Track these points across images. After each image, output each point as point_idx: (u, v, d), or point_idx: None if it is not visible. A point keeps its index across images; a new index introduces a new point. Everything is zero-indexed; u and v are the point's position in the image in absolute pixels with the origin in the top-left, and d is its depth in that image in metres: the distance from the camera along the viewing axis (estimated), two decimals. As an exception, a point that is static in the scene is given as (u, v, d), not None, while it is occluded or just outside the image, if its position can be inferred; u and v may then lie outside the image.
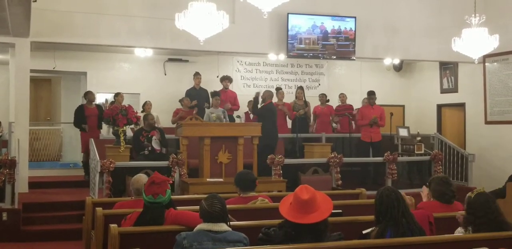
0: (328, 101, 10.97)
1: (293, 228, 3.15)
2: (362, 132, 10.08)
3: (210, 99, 9.89)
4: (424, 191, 4.62)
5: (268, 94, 9.07)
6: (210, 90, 10.31)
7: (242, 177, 4.87)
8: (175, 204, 4.02)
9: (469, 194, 3.75)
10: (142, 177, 4.63)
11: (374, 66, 12.67)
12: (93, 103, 9.80)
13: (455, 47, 8.44)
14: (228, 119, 9.33)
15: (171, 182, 3.90)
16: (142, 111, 9.81)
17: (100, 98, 10.56)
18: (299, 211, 3.12)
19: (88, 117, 9.52)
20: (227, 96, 10.34)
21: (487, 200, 3.65)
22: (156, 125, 9.04)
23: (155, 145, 8.52)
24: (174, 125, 9.83)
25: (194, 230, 3.36)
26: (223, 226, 3.31)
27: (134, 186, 4.67)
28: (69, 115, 12.19)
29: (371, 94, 10.12)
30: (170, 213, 3.84)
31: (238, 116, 10.46)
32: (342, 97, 11.10)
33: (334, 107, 11.03)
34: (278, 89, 10.43)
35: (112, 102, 9.54)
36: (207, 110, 9.53)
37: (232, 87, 11.06)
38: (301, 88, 10.81)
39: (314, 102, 10.98)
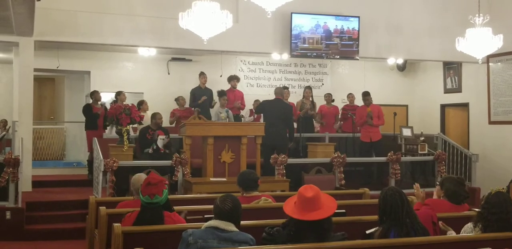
0: (333, 101, 10.96)
1: (297, 227, 3.15)
2: (361, 133, 10.03)
3: (217, 98, 9.86)
4: (437, 190, 4.64)
5: (277, 91, 8.98)
6: (214, 89, 10.31)
7: (244, 177, 4.89)
8: (172, 205, 4.03)
9: (490, 190, 3.80)
10: (142, 177, 4.60)
11: (378, 65, 12.65)
12: (99, 102, 9.81)
13: (459, 47, 8.42)
14: (233, 119, 9.29)
15: (167, 182, 3.90)
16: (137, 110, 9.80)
17: (103, 98, 10.54)
18: (304, 209, 3.13)
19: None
20: (235, 96, 10.34)
21: (505, 200, 3.70)
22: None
23: (160, 144, 8.52)
24: (173, 125, 9.87)
25: (202, 227, 3.36)
26: (230, 226, 3.30)
27: (134, 186, 4.67)
28: (73, 114, 12.26)
29: (366, 95, 10.02)
30: (171, 219, 3.86)
31: (242, 116, 10.46)
32: (351, 97, 11.03)
33: (341, 107, 11.00)
34: (285, 88, 10.39)
35: (114, 101, 9.53)
36: (215, 110, 9.52)
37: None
38: (309, 87, 10.75)
39: (318, 102, 10.96)
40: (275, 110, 8.63)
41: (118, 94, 9.75)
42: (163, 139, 8.49)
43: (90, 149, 9.39)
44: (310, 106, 10.31)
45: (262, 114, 9.16)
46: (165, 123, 10.17)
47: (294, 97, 10.98)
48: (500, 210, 3.63)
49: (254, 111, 9.92)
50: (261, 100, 9.33)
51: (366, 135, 9.90)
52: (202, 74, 10.53)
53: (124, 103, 9.02)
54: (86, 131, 9.68)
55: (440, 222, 3.95)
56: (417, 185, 4.71)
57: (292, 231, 3.18)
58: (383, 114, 9.98)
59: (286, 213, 3.20)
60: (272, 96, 9.06)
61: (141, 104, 9.94)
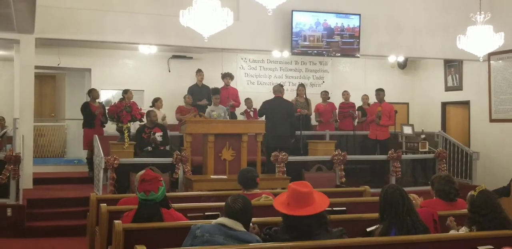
0: (329, 98, 10.95)
1: (294, 226, 3.14)
2: (370, 130, 10.04)
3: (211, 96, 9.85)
4: (430, 190, 4.62)
5: (275, 89, 8.98)
6: (213, 87, 10.28)
7: (243, 175, 4.96)
8: (170, 202, 4.04)
9: (471, 193, 3.74)
10: (144, 174, 4.64)
11: (378, 63, 12.64)
12: (97, 100, 9.79)
13: (460, 45, 8.41)
14: (229, 117, 9.25)
15: (161, 179, 3.92)
16: (150, 106, 9.81)
17: (104, 95, 10.54)
18: (296, 205, 3.12)
19: (92, 114, 9.52)
20: (228, 93, 10.32)
21: (489, 197, 3.66)
22: (159, 122, 9.02)
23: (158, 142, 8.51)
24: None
25: (212, 223, 3.39)
26: (238, 225, 3.31)
27: (137, 182, 4.68)
28: (74, 111, 12.26)
29: (379, 90, 9.98)
30: (170, 215, 3.87)
31: (242, 113, 10.45)
32: (346, 94, 11.10)
33: (338, 105, 11.01)
34: (280, 86, 10.36)
35: (121, 99, 9.49)
36: (208, 108, 9.51)
37: (236, 84, 11.04)
38: (302, 85, 10.78)
39: (318, 100, 10.96)
40: (278, 109, 8.61)
41: (125, 92, 9.69)
42: (159, 136, 8.49)
43: (86, 147, 9.35)
44: (306, 107, 10.28)
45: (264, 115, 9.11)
46: (169, 119, 10.19)
47: (294, 95, 10.94)
48: (489, 209, 3.59)
49: (257, 113, 9.75)
50: (251, 98, 9.22)
51: (373, 133, 9.91)
52: (199, 72, 10.52)
53: (132, 100, 9.01)
54: (84, 129, 9.63)
55: (450, 218, 3.93)
56: (413, 195, 4.66)
57: (290, 230, 3.16)
58: (394, 114, 9.84)
59: (279, 210, 3.18)
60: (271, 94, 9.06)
61: (156, 101, 9.93)
